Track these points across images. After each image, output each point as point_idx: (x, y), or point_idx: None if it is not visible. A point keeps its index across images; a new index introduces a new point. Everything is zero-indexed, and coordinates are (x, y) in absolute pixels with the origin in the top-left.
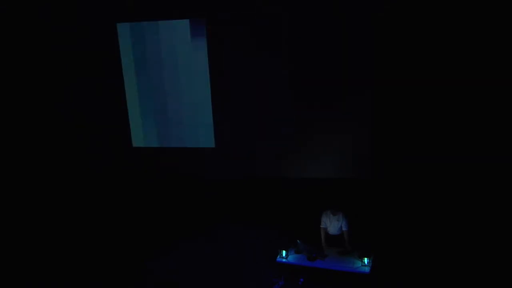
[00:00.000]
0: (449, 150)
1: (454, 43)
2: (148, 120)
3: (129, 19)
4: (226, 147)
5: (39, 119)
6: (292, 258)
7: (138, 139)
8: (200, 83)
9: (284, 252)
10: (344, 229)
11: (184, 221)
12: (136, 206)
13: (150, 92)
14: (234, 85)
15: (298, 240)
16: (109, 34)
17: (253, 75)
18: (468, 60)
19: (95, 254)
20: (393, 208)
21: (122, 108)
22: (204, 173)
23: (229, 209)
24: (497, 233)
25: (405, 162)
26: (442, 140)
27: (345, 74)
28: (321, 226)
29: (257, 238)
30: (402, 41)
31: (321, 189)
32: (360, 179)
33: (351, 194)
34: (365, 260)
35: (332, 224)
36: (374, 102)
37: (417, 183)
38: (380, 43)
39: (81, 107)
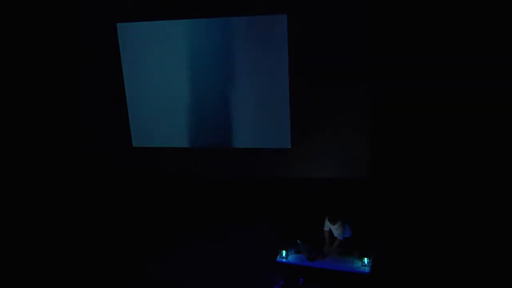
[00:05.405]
0: (449, 150)
1: (456, 44)
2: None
3: (132, 19)
4: (226, 147)
5: (39, 119)
6: (292, 258)
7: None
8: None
9: (284, 252)
10: (338, 237)
11: (184, 221)
12: (136, 206)
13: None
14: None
15: (298, 240)
16: (110, 34)
17: None
18: (469, 60)
19: (95, 254)
20: (393, 208)
21: (122, 107)
22: (206, 173)
23: (229, 209)
24: (498, 233)
25: (404, 162)
26: (442, 139)
27: (345, 72)
28: (324, 229)
29: (257, 238)
30: (401, 40)
31: (321, 189)
32: (360, 179)
33: (350, 194)
34: (365, 260)
35: (334, 231)
36: (373, 101)
37: (417, 183)
38: (379, 41)
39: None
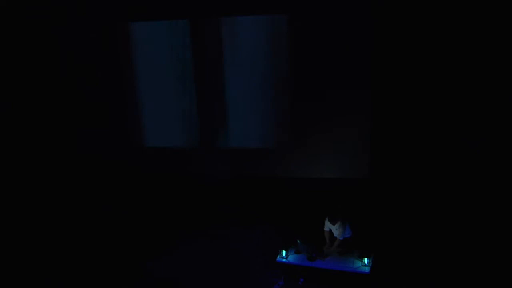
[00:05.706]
0: (448, 150)
1: (453, 43)
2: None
3: (131, 19)
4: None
5: (39, 119)
6: (292, 258)
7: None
8: None
9: (284, 252)
10: (338, 237)
11: (184, 221)
12: (136, 206)
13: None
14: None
15: (298, 240)
16: (110, 34)
17: None
18: (467, 58)
19: (96, 254)
20: (392, 208)
21: (123, 107)
22: (206, 173)
23: (229, 209)
24: (497, 233)
25: (404, 163)
26: (441, 140)
27: (344, 73)
28: (324, 229)
29: (257, 238)
30: (401, 41)
31: (321, 189)
32: (360, 179)
33: (350, 194)
34: (365, 260)
35: (334, 231)
36: (373, 102)
37: (417, 183)
38: (379, 42)
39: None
